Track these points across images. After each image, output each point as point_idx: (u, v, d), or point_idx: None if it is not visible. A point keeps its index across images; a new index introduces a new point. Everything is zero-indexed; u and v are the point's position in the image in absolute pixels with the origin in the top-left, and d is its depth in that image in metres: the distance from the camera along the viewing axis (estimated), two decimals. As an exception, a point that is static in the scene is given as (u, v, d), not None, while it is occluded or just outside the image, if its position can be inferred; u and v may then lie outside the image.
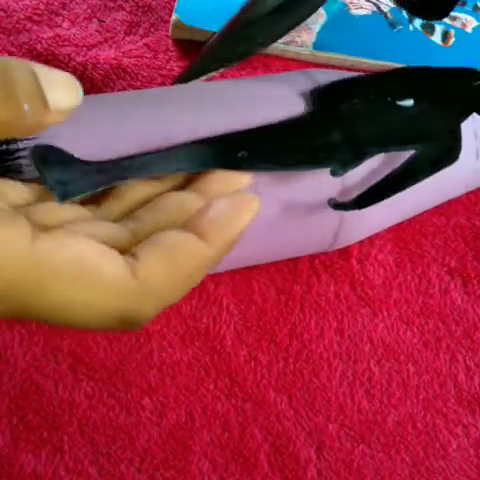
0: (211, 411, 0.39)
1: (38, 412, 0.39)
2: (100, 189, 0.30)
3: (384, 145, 0.36)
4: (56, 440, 0.38)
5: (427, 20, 0.48)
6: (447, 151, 0.37)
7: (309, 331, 0.41)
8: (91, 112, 0.35)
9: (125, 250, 0.28)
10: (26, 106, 0.25)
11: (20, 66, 0.25)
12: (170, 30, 0.50)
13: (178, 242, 0.28)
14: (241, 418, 0.39)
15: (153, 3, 0.51)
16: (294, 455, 0.39)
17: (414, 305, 0.43)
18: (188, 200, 0.30)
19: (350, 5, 0.50)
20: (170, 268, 0.27)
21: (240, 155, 0.33)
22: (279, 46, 0.48)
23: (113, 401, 0.39)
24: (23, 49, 0.49)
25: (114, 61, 0.48)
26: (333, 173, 0.35)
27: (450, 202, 0.45)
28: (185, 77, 0.44)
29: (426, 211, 0.44)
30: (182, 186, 0.32)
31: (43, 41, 0.49)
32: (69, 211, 0.29)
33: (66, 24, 0.50)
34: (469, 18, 0.51)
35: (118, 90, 0.47)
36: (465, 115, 0.38)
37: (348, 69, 0.49)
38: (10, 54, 0.49)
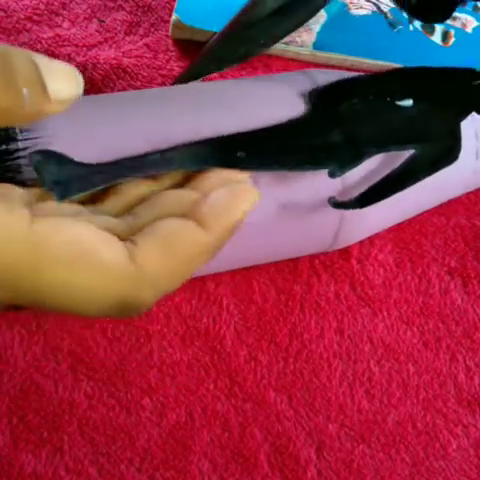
0: (211, 411, 0.39)
1: (38, 412, 0.39)
2: (99, 188, 0.30)
3: (384, 145, 0.36)
4: (56, 440, 0.38)
5: (427, 23, 0.48)
6: (447, 151, 0.37)
7: (309, 331, 0.41)
8: (91, 112, 0.35)
9: (123, 240, 0.28)
10: (25, 91, 0.24)
11: (20, 54, 0.25)
12: (170, 30, 0.50)
13: (176, 229, 0.28)
14: (241, 418, 0.39)
15: (153, 3, 0.51)
16: (294, 455, 0.39)
17: (414, 305, 0.43)
18: (186, 197, 0.31)
19: (350, 5, 0.50)
20: (167, 254, 0.27)
21: (239, 155, 0.33)
22: (279, 46, 0.48)
23: (113, 401, 0.39)
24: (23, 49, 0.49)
25: (114, 61, 0.48)
26: (331, 174, 0.35)
27: (450, 202, 0.45)
28: (185, 77, 0.44)
29: (426, 211, 0.44)
30: (181, 184, 0.33)
31: (43, 41, 0.49)
32: (69, 209, 0.29)
33: (66, 24, 0.50)
34: (469, 18, 0.51)
35: (118, 90, 0.47)
36: (464, 114, 0.38)
37: (348, 69, 0.49)
38: (10, 54, 0.49)
